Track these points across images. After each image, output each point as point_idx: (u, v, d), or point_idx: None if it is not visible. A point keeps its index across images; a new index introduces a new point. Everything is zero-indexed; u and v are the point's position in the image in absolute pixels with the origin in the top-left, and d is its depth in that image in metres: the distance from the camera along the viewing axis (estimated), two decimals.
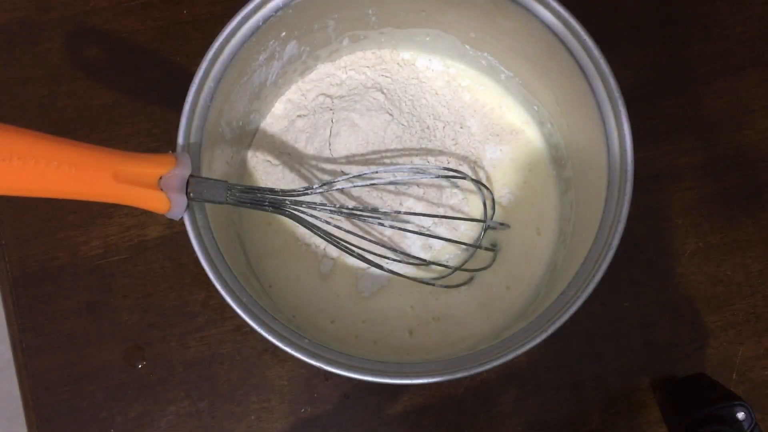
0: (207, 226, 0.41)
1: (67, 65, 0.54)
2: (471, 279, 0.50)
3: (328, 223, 0.45)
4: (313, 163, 0.51)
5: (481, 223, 0.50)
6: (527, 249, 0.50)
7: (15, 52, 0.54)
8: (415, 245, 0.51)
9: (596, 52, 0.41)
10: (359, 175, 0.47)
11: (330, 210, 0.45)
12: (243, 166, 0.51)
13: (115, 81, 0.54)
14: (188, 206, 0.38)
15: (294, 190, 0.43)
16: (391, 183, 0.49)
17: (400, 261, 0.48)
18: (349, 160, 0.51)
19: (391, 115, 0.51)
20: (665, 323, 0.51)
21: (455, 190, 0.51)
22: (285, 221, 0.50)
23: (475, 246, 0.49)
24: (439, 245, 0.50)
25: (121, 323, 0.50)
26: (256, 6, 0.43)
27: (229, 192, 0.39)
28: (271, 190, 0.42)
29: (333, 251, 0.50)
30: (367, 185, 0.49)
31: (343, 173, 0.50)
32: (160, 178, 0.37)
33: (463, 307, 0.50)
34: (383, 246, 0.48)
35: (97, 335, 0.50)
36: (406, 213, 0.48)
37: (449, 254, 0.51)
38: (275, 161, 0.51)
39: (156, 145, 0.53)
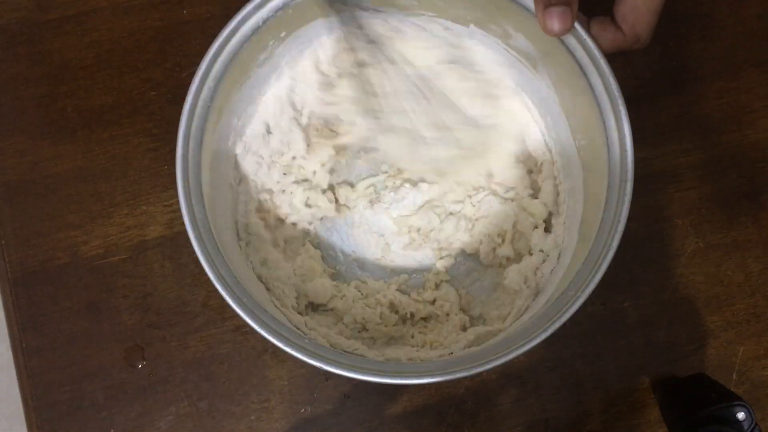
0: (207, 226, 0.41)
1: (67, 65, 0.54)
2: None
3: None
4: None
5: None
6: None
7: (15, 52, 0.54)
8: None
9: (596, 52, 0.41)
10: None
11: None
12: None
13: (115, 81, 0.54)
14: None
15: None
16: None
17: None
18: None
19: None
20: (665, 323, 0.51)
21: None
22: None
23: None
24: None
25: (121, 323, 0.50)
26: (256, 6, 0.43)
27: None
28: None
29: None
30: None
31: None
32: None
33: None
34: None
35: (97, 335, 0.50)
36: None
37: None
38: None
39: (156, 145, 0.52)
